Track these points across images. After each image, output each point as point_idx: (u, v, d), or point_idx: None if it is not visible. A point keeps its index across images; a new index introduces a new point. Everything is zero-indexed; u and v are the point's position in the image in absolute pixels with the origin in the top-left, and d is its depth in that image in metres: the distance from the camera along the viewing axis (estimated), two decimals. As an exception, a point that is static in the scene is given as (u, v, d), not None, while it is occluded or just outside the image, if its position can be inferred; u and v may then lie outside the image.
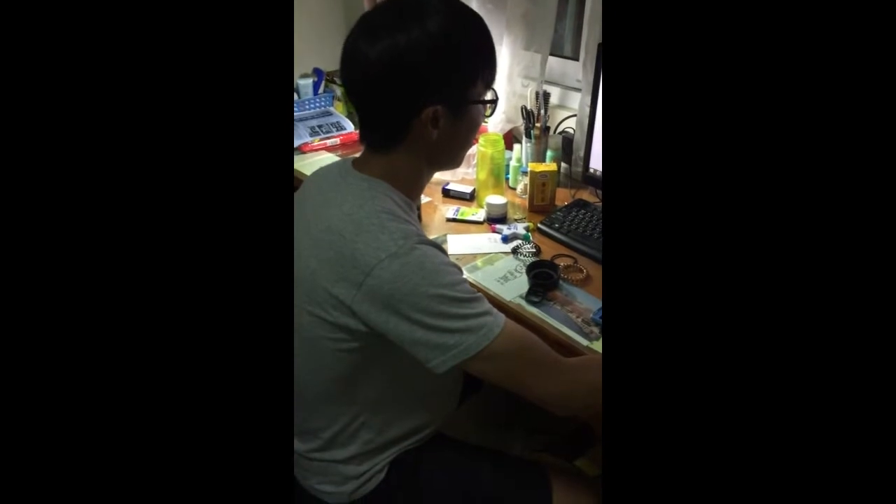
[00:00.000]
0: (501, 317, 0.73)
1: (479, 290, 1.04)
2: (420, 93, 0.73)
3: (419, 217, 1.24)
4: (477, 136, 1.55)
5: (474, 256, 1.12)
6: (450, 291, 0.69)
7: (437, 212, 1.29)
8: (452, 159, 0.85)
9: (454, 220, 1.25)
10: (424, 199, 1.29)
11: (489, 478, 0.91)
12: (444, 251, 0.75)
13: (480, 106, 0.80)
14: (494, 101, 0.81)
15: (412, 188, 0.82)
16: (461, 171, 1.43)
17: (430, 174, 0.86)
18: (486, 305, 0.72)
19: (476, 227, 1.23)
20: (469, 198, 1.33)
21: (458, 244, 1.16)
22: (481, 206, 1.28)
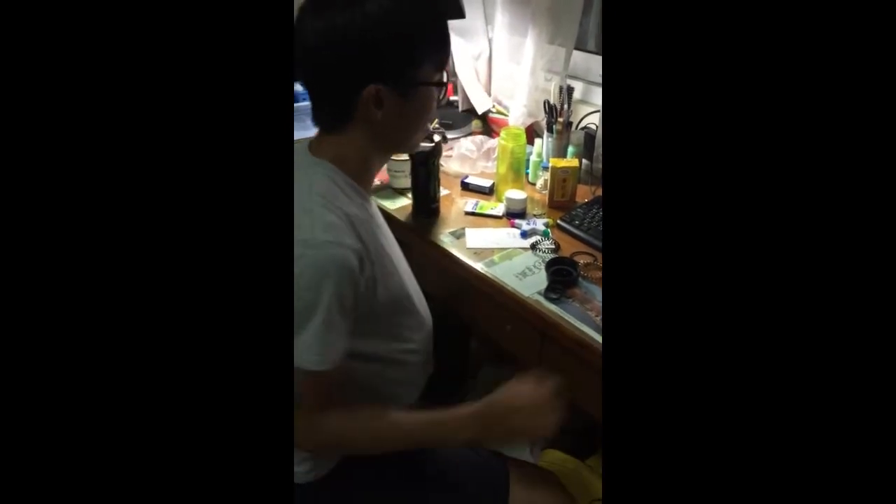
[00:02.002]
0: (314, 356, 0.72)
1: (498, 285, 1.02)
2: (358, 72, 0.73)
3: (437, 210, 1.23)
4: (497, 131, 1.54)
5: (492, 251, 1.11)
6: (299, 301, 0.69)
7: (455, 205, 1.28)
8: (403, 142, 0.86)
9: (473, 213, 1.24)
10: (443, 191, 1.28)
11: (444, 459, 0.93)
12: (358, 259, 0.74)
13: (431, 88, 0.79)
14: (442, 84, 0.81)
15: (361, 172, 0.82)
16: (480, 165, 1.42)
17: (382, 158, 0.86)
18: (309, 336, 0.72)
19: (495, 221, 1.22)
20: (488, 192, 1.32)
21: (476, 238, 1.15)
22: (500, 201, 1.27)
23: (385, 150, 0.85)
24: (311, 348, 0.72)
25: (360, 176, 0.82)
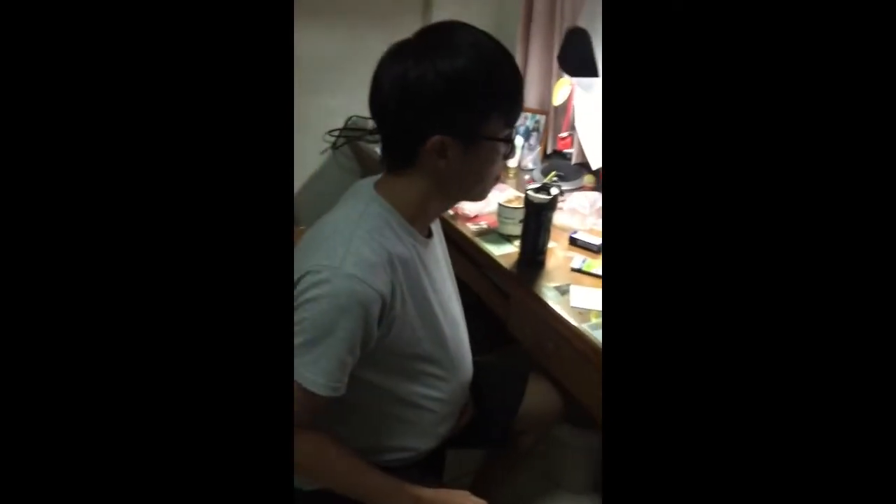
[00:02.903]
0: (311, 376, 0.74)
1: (599, 350, 0.98)
2: (423, 123, 0.76)
3: (543, 262, 1.20)
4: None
5: (593, 312, 1.07)
6: (313, 323, 0.72)
7: (560, 259, 1.25)
8: (465, 192, 0.86)
9: (579, 270, 1.20)
10: (551, 244, 1.25)
11: None
12: (374, 302, 0.75)
13: (498, 143, 0.80)
14: (509, 141, 0.82)
15: (417, 215, 0.84)
16: (591, 221, 1.38)
17: (443, 204, 0.87)
18: (312, 357, 0.74)
19: (600, 281, 1.18)
20: (597, 250, 1.28)
21: (580, 297, 1.11)
22: (609, 262, 1.22)
23: (446, 197, 0.86)
24: (310, 368, 0.74)
25: (415, 218, 0.84)
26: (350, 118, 1.96)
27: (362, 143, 1.91)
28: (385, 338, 0.80)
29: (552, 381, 1.18)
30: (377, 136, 1.96)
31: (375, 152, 1.77)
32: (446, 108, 0.74)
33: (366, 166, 1.98)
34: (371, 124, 1.96)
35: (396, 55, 0.76)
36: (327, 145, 1.99)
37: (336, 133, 1.96)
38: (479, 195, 0.88)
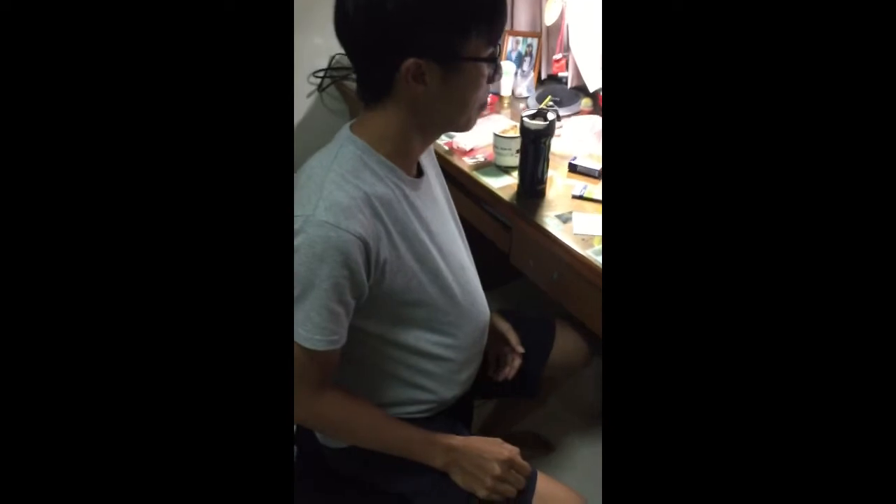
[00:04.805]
0: (306, 333, 0.73)
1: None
2: (395, 44, 0.69)
3: (543, 191, 1.17)
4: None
5: (596, 238, 1.05)
6: (296, 276, 0.70)
7: (560, 187, 1.22)
8: (448, 122, 0.80)
9: (580, 197, 1.18)
10: (550, 172, 1.22)
11: None
12: (359, 248, 0.72)
13: (481, 65, 0.73)
14: (492, 60, 0.74)
15: (398, 151, 0.78)
16: (589, 146, 1.35)
17: (426, 138, 0.81)
18: (302, 314, 0.72)
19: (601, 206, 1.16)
20: (597, 175, 1.25)
21: (582, 224, 1.09)
22: (610, 186, 1.20)
23: (428, 129, 0.80)
24: (304, 326, 0.72)
25: (398, 155, 0.79)
26: (334, 57, 1.89)
27: (348, 83, 1.85)
28: (381, 284, 0.77)
29: (577, 326, 1.17)
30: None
31: (364, 91, 1.71)
32: (418, 24, 0.67)
33: (354, 107, 1.92)
34: (357, 62, 1.89)
35: None
36: (313, 87, 1.92)
37: (321, 74, 1.90)
38: (464, 125, 0.81)
